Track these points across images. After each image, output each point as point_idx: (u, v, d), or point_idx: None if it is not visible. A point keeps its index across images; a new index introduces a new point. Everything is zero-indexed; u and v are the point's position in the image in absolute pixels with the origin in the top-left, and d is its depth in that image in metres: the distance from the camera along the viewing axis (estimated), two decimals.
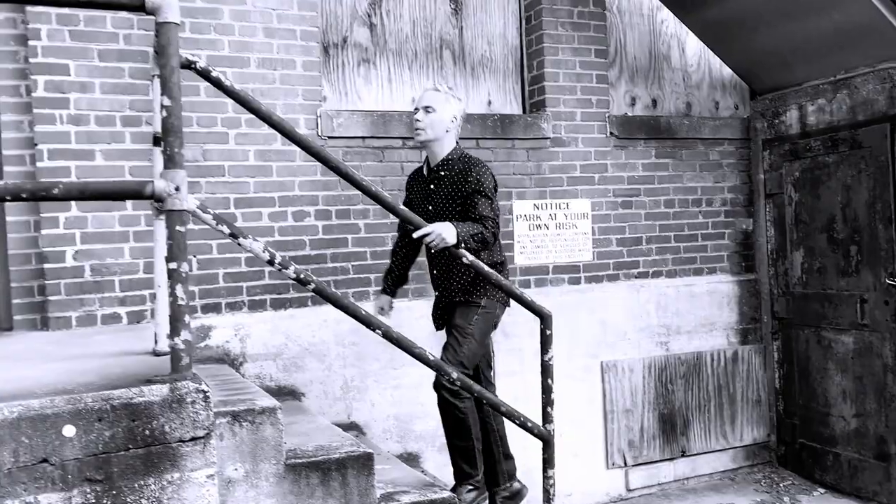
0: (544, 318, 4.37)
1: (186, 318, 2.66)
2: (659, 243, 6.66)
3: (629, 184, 6.52)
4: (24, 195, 2.46)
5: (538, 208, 6.17)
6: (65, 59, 4.86)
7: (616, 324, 6.43)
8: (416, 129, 4.46)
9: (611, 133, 6.40)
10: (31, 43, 4.80)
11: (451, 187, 4.42)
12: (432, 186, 4.48)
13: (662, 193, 6.66)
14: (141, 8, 2.61)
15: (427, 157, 4.57)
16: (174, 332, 2.64)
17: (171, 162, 2.64)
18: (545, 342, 4.38)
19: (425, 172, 4.56)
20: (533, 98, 6.33)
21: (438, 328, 4.77)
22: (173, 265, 2.62)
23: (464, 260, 4.10)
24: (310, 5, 5.41)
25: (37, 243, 4.87)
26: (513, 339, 5.98)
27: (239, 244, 3.35)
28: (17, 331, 4.82)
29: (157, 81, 3.42)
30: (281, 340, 5.28)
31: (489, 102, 6.30)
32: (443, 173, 4.45)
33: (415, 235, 4.10)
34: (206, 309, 5.13)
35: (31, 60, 4.80)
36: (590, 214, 6.37)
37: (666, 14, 6.87)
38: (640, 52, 6.80)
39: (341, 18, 5.85)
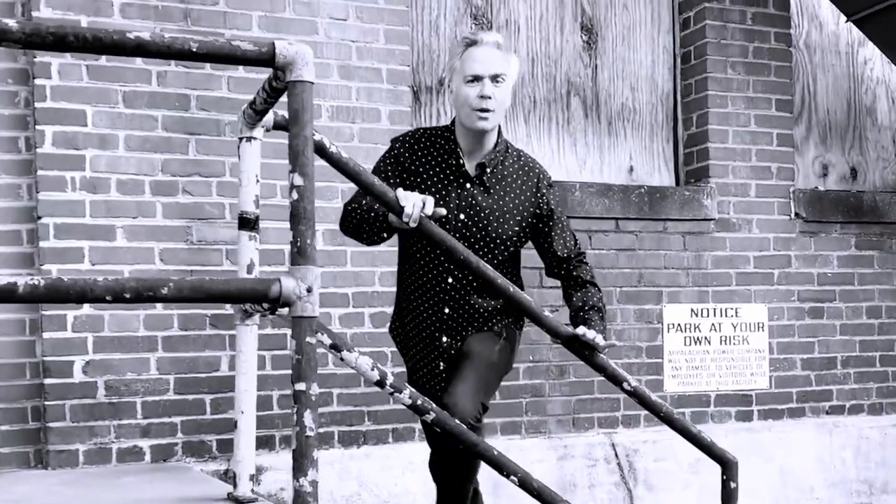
0: (727, 466, 4.57)
1: (315, 453, 2.95)
2: (859, 367, 6.90)
3: (820, 284, 6.80)
4: (127, 295, 2.77)
5: (696, 315, 6.45)
6: (80, 103, 5.26)
7: (800, 476, 6.63)
8: (484, 114, 4.11)
9: (796, 214, 6.73)
10: (37, 81, 5.20)
11: (509, 197, 4.24)
12: (470, 187, 4.21)
13: (865, 298, 6.92)
14: (269, 62, 2.95)
15: (451, 136, 4.25)
16: (300, 470, 2.92)
17: (301, 256, 2.94)
18: (729, 499, 4.57)
19: (460, 161, 4.22)
20: (690, 164, 6.70)
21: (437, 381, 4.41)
22: (301, 386, 2.91)
23: (625, 385, 4.30)
24: (400, 37, 5.81)
25: (34, 350, 5.21)
26: (659, 493, 6.20)
27: (342, 359, 3.66)
28: (3, 468, 5.12)
29: (248, 145, 3.80)
30: (353, 488, 5.55)
31: (630, 169, 6.67)
32: (489, 171, 4.22)
33: (587, 337, 4.04)
34: (257, 444, 5.42)
35: (36, 105, 5.19)
36: (766, 325, 6.63)
37: (871, 51, 7.21)
38: (834, 103, 7.13)
39: (436, 53, 6.26)
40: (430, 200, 3.80)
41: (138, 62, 5.35)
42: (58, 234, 5.21)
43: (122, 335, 5.28)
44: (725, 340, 6.52)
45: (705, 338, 6.48)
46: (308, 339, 3.01)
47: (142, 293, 2.83)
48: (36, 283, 2.65)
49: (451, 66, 4.22)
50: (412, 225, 3.76)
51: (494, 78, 4.09)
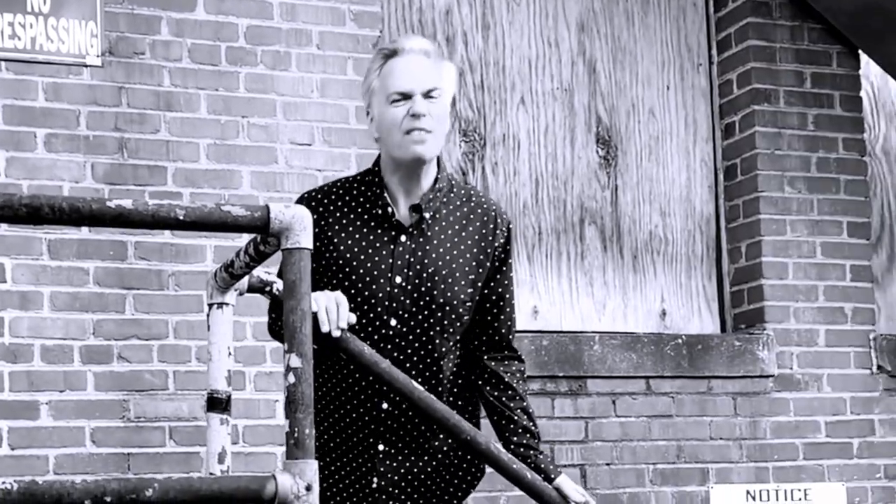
0: None
1: None
2: None
3: None
4: (108, 499, 3.01)
5: (754, 498, 6.70)
6: None
7: None
8: (420, 134, 4.02)
9: (879, 367, 7.00)
10: None
11: (458, 250, 4.18)
12: (405, 240, 4.14)
13: None
14: (263, 230, 3.28)
15: (376, 179, 4.21)
16: None
17: (299, 449, 3.17)
18: None
19: (388, 210, 4.16)
20: (740, 306, 7.05)
21: None
22: None
23: None
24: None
25: None
26: None
27: None
28: None
29: (219, 312, 4.11)
30: None
31: (663, 313, 7.06)
32: (429, 216, 4.16)
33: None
34: None
35: None
36: None
37: None
38: None
39: None
40: (343, 299, 3.84)
41: None
42: None
43: None
44: None
45: None
46: None
47: (124, 496, 3.15)
48: (8, 487, 2.96)
49: (368, 86, 4.19)
50: (335, 334, 3.78)
51: (427, 93, 4.06)
